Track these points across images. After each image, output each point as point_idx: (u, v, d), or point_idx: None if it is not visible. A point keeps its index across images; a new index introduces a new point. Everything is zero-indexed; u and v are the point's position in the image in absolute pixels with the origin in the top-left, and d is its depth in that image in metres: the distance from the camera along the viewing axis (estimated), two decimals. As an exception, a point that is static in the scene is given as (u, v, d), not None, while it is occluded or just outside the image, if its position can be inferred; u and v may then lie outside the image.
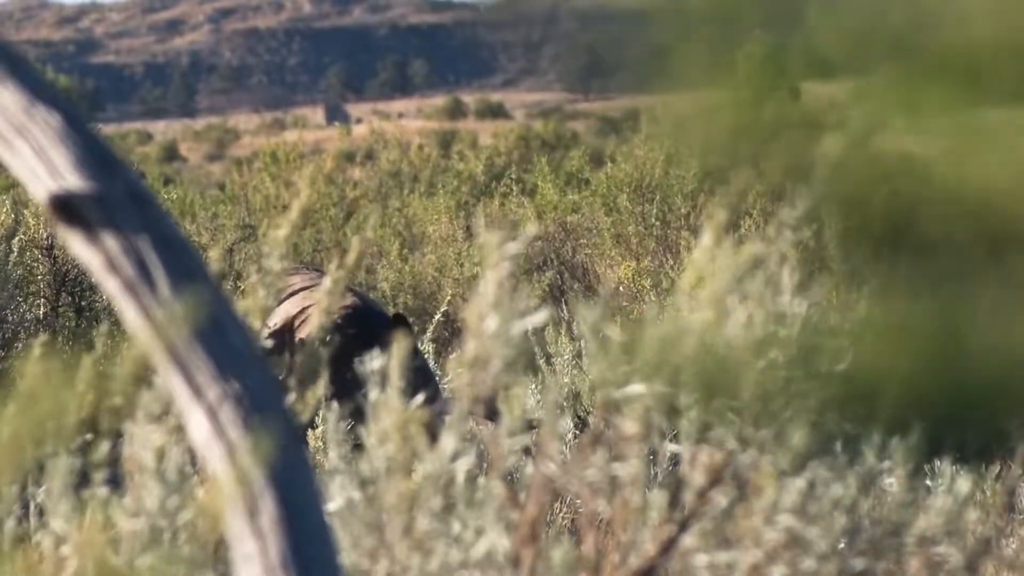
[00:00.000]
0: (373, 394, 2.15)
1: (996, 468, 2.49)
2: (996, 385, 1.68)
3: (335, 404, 2.29)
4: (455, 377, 2.12)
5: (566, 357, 6.11)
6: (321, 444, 3.78)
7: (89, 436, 2.10)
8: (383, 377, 2.14)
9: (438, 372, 6.38)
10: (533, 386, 5.43)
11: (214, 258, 2.21)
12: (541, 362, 6.19)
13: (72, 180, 1.70)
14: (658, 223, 11.34)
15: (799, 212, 1.96)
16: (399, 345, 2.14)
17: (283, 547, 1.64)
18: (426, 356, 6.43)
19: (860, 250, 1.71)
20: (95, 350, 2.13)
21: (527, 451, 2.13)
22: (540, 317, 2.07)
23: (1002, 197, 1.57)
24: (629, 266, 11.05)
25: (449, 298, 9.51)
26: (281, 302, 5.38)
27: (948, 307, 1.66)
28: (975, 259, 1.64)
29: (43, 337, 2.15)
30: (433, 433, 2.11)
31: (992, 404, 1.70)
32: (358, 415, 2.20)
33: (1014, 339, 1.67)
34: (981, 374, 1.68)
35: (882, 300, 1.70)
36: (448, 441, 2.11)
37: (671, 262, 10.93)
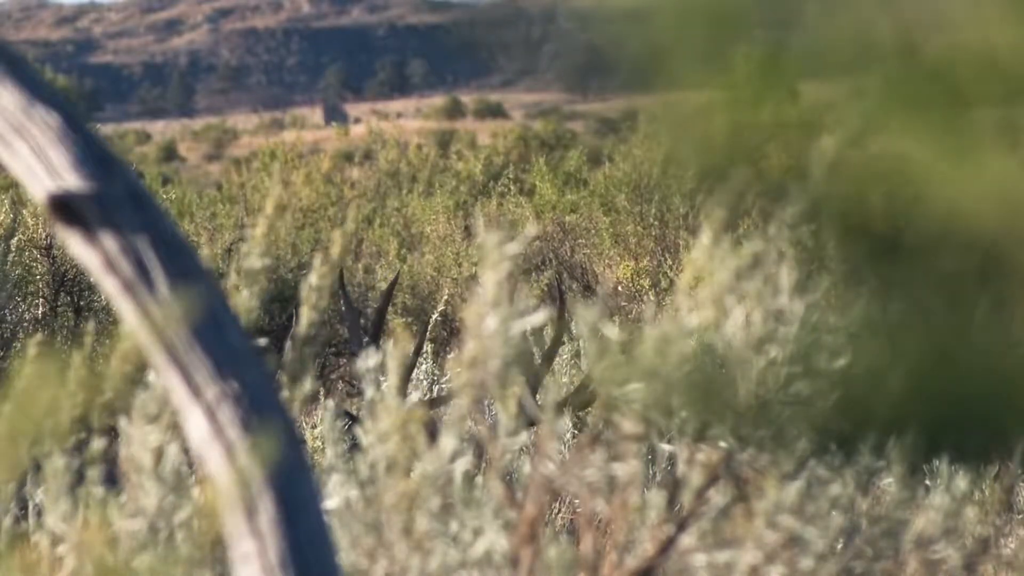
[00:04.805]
0: (369, 393, 2.15)
1: (994, 467, 2.49)
2: (988, 392, 1.67)
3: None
4: (454, 376, 2.12)
5: (565, 357, 6.10)
6: (319, 443, 3.77)
7: (84, 435, 2.10)
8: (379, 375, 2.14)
9: (436, 372, 6.37)
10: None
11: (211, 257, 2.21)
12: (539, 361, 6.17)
13: (71, 180, 1.70)
14: (656, 223, 11.34)
15: (795, 211, 1.95)
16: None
17: (282, 547, 1.64)
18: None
19: (856, 252, 1.71)
20: (87, 348, 2.13)
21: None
22: (538, 317, 2.07)
23: (984, 209, 1.57)
24: (628, 266, 11.05)
25: (447, 298, 9.50)
26: None
27: (941, 313, 1.66)
28: (966, 266, 1.63)
29: (38, 337, 2.14)
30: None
31: (986, 412, 1.69)
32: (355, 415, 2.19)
33: (1005, 348, 1.67)
34: (974, 381, 1.68)
35: (877, 303, 1.70)
36: (447, 441, 2.11)
37: (669, 262, 10.92)
